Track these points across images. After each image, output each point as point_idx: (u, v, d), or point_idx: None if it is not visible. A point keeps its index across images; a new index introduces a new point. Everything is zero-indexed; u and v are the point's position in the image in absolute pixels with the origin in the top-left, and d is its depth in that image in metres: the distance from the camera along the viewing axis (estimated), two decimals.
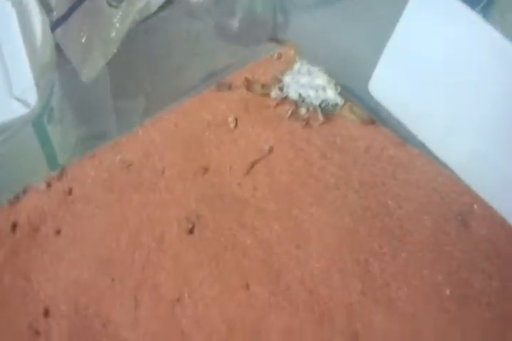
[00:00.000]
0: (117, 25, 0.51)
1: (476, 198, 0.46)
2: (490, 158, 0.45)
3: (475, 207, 0.45)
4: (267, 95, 0.50)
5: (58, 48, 0.49)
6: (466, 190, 0.46)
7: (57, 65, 0.46)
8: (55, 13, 0.50)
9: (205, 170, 0.47)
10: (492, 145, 0.45)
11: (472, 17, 0.41)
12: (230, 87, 0.52)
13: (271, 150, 0.48)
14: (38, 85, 0.42)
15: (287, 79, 0.50)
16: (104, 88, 0.54)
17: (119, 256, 0.42)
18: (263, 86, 0.51)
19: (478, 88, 0.43)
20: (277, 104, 0.50)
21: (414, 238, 0.44)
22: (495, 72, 0.42)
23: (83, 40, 0.50)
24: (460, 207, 0.46)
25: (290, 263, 0.42)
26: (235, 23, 0.56)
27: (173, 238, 0.43)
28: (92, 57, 0.51)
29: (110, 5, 0.52)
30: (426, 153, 0.48)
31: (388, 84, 0.49)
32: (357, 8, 0.54)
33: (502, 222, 0.45)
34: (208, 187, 0.46)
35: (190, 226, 0.43)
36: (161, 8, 0.56)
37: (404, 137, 0.49)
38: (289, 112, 0.49)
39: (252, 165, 0.47)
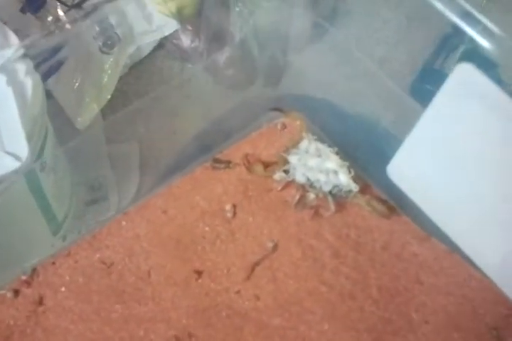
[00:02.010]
0: (109, 71, 0.48)
1: None
2: None
3: None
4: (270, 177, 0.44)
5: (51, 96, 0.46)
6: (502, 299, 0.39)
7: (51, 114, 0.42)
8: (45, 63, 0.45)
9: (199, 274, 0.40)
10: None
11: (510, 106, 0.34)
12: (227, 165, 0.45)
13: (275, 247, 0.41)
14: (29, 138, 0.39)
15: (293, 159, 0.43)
16: (99, 134, 0.50)
17: None
18: (266, 167, 0.44)
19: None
20: (282, 188, 0.44)
21: None
22: None
23: (75, 87, 0.48)
24: (495, 319, 0.39)
25: None
26: (227, 67, 0.50)
27: None
28: (85, 104, 0.48)
29: (102, 51, 0.48)
30: (454, 250, 0.42)
31: (411, 170, 0.42)
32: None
33: None
34: (202, 296, 0.39)
35: None
36: (153, 52, 0.52)
37: (428, 229, 0.43)
38: (296, 199, 0.43)
39: (253, 267, 0.40)
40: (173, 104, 0.51)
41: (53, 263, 0.40)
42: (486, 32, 0.34)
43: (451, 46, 0.49)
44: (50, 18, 0.50)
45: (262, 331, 0.38)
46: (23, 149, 0.38)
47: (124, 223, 0.42)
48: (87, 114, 0.48)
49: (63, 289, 0.39)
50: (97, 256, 0.41)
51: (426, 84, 0.49)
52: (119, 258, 0.41)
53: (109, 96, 0.48)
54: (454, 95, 0.36)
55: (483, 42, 0.34)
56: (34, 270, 0.40)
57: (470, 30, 0.34)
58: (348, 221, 0.43)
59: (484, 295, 0.40)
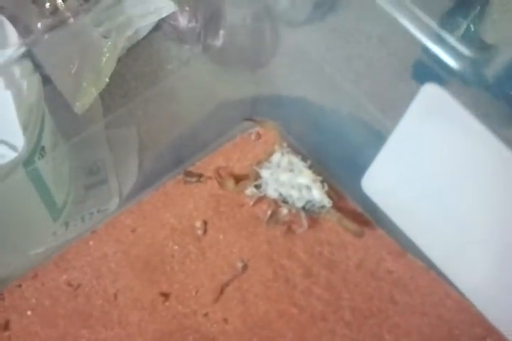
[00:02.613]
0: (107, 54, 0.47)
1: (490, 330, 0.38)
2: (508, 284, 0.37)
3: None
4: (242, 192, 0.43)
5: (49, 81, 0.45)
6: (478, 320, 0.38)
7: (49, 99, 0.42)
8: None
9: (166, 296, 0.39)
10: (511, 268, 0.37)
11: (478, 127, 0.33)
12: (199, 179, 0.44)
13: (245, 267, 0.40)
14: (25, 127, 0.39)
15: (265, 174, 0.42)
16: (97, 118, 0.50)
17: None
18: (238, 181, 0.42)
19: (488, 202, 0.36)
20: (254, 203, 0.42)
21: None
22: (507, 186, 0.34)
23: (73, 72, 0.47)
24: None
25: None
26: (224, 47, 0.49)
27: None
28: (83, 88, 0.47)
29: (100, 35, 0.47)
30: (430, 267, 0.40)
31: (385, 185, 0.40)
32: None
33: None
34: (169, 319, 0.38)
35: None
36: (150, 33, 0.51)
37: (404, 244, 0.41)
38: (268, 214, 0.42)
39: (223, 288, 0.39)
40: (170, 85, 0.50)
41: (19, 285, 0.40)
42: (453, 52, 0.32)
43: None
44: (48, 5, 0.48)
45: None
46: (19, 139, 0.38)
47: (91, 242, 0.41)
48: (85, 98, 0.47)
49: (29, 313, 0.39)
50: (64, 277, 0.40)
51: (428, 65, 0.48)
52: (87, 280, 0.40)
53: (107, 80, 0.47)
54: (422, 114, 0.34)
55: (451, 63, 0.32)
56: (0, 293, 0.40)
57: (437, 50, 0.32)
58: (321, 237, 0.41)
59: (460, 316, 0.39)
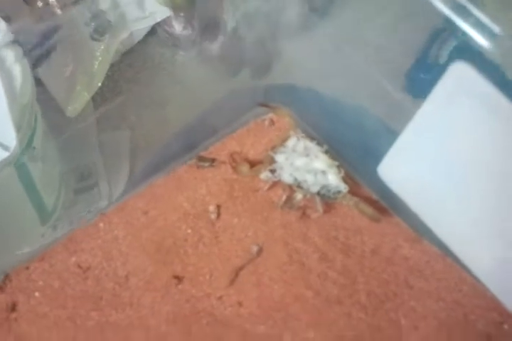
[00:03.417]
0: (100, 58, 0.47)
1: (506, 315, 0.38)
2: None
3: (505, 327, 0.38)
4: (256, 176, 0.42)
5: (41, 84, 0.45)
6: (494, 305, 0.38)
7: (41, 102, 0.41)
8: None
9: (179, 279, 0.38)
10: None
11: (507, 109, 0.33)
12: (212, 163, 0.43)
13: (260, 251, 0.40)
14: (18, 127, 0.38)
15: (280, 158, 0.41)
16: (89, 122, 0.49)
17: None
18: (252, 166, 0.42)
19: (507, 188, 0.35)
20: (268, 188, 0.42)
21: None
22: None
23: (66, 75, 0.47)
24: (487, 326, 0.38)
25: None
26: (219, 54, 0.49)
27: None
28: (75, 92, 0.47)
29: (93, 38, 0.47)
30: (446, 253, 0.40)
31: (402, 170, 0.40)
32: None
33: None
34: (183, 302, 0.38)
35: None
36: (145, 39, 0.50)
37: (420, 231, 0.41)
38: (283, 199, 0.41)
39: (237, 272, 0.39)
40: (164, 91, 0.49)
41: (27, 267, 0.39)
42: (482, 29, 0.32)
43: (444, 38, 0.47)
44: (40, 4, 0.48)
45: (244, 339, 0.36)
46: (11, 139, 0.37)
47: (101, 225, 0.40)
48: (77, 101, 0.47)
49: (37, 294, 0.38)
50: (73, 259, 0.39)
51: (421, 73, 0.48)
52: (96, 262, 0.39)
53: (99, 84, 0.47)
54: (449, 95, 0.34)
55: (480, 40, 0.32)
56: (7, 275, 0.38)
57: (465, 26, 0.32)
58: (337, 222, 0.41)
59: (476, 301, 0.38)
